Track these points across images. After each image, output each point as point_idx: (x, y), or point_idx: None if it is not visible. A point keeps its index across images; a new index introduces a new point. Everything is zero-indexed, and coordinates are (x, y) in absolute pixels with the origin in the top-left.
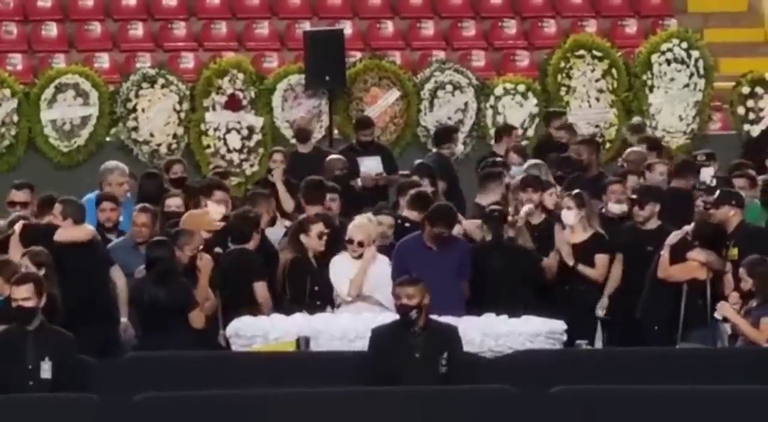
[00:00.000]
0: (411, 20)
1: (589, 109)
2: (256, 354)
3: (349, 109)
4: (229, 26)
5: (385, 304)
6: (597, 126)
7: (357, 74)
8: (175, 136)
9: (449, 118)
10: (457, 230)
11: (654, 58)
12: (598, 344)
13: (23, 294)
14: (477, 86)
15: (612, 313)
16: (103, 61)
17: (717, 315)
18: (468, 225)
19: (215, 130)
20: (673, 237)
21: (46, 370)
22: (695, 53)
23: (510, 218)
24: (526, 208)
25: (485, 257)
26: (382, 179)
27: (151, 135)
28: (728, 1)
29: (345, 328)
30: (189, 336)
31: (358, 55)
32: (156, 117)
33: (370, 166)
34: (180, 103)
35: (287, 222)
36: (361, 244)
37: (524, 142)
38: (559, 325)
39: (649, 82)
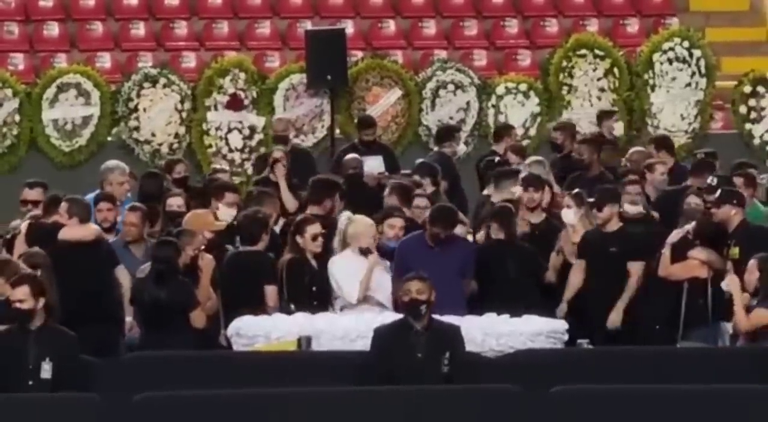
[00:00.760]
0: (413, 19)
1: (591, 108)
2: (258, 353)
3: (350, 109)
4: (231, 26)
5: (385, 305)
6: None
7: (359, 73)
8: (176, 135)
9: (451, 118)
10: (460, 231)
11: (656, 57)
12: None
13: (19, 296)
14: (479, 85)
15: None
16: (105, 60)
17: (724, 285)
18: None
19: (217, 129)
20: (675, 235)
21: (46, 370)
22: (697, 52)
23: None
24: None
25: (498, 257)
26: (384, 178)
27: (153, 135)
28: (730, 0)
29: (347, 328)
30: (190, 336)
31: (360, 54)
32: (157, 116)
33: (373, 165)
34: (181, 102)
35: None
36: (369, 251)
37: (525, 142)
38: (561, 325)
39: (650, 82)
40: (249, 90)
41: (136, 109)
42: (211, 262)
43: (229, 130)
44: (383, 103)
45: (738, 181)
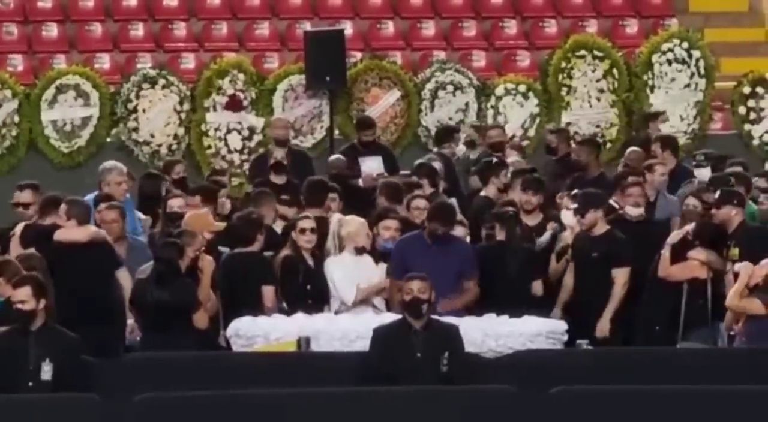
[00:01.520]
0: (411, 20)
1: (590, 109)
2: (257, 354)
3: (349, 110)
4: (230, 26)
5: (380, 307)
6: (598, 126)
7: (358, 74)
8: (175, 136)
9: (450, 118)
10: (460, 232)
11: (655, 58)
12: None
13: (20, 297)
14: (478, 86)
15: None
16: (104, 61)
17: (736, 267)
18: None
19: (216, 130)
20: (675, 236)
21: (46, 372)
22: (696, 53)
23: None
24: None
25: (498, 257)
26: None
27: (152, 136)
28: (729, 0)
29: (346, 329)
30: (192, 337)
31: (359, 55)
32: (156, 117)
33: (372, 166)
34: (180, 103)
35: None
36: (363, 249)
37: (525, 142)
38: (560, 325)
39: (650, 82)
40: (248, 91)
41: (135, 110)
42: (211, 263)
43: (228, 131)
44: (382, 104)
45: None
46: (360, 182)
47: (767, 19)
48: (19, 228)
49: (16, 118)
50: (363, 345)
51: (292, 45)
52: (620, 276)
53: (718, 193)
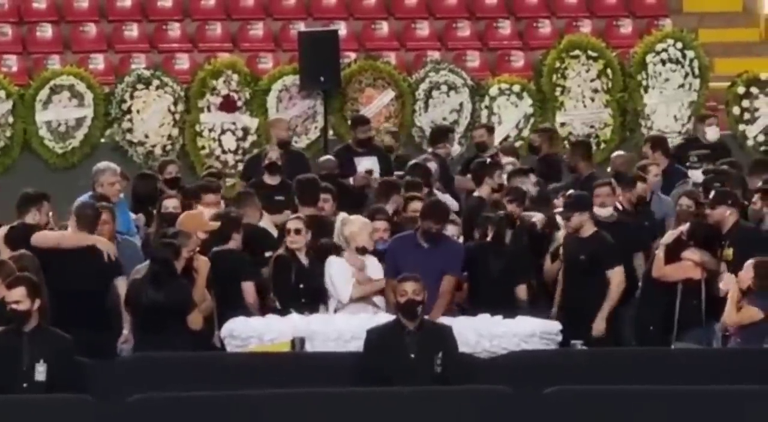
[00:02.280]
0: (406, 21)
1: (584, 110)
2: (252, 354)
3: (344, 110)
4: (224, 27)
5: (380, 306)
6: (592, 126)
7: (352, 75)
8: (170, 137)
9: (444, 119)
10: (452, 231)
11: (649, 58)
12: None
13: (15, 297)
14: (472, 86)
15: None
16: (98, 62)
17: (722, 285)
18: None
19: (210, 131)
20: (669, 236)
21: (40, 372)
22: (690, 53)
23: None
24: None
25: (482, 256)
26: (373, 180)
27: (146, 136)
28: (723, 1)
29: (340, 329)
30: (187, 338)
31: (353, 55)
32: (151, 118)
33: (367, 166)
34: (175, 104)
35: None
36: (365, 250)
37: (518, 143)
38: (554, 326)
39: (644, 83)
40: (242, 91)
41: (129, 111)
42: (206, 263)
43: (223, 132)
44: (376, 104)
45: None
46: (351, 181)
47: (761, 20)
48: (2, 230)
49: (11, 119)
50: (358, 345)
51: (286, 45)
52: (614, 276)
53: (712, 193)
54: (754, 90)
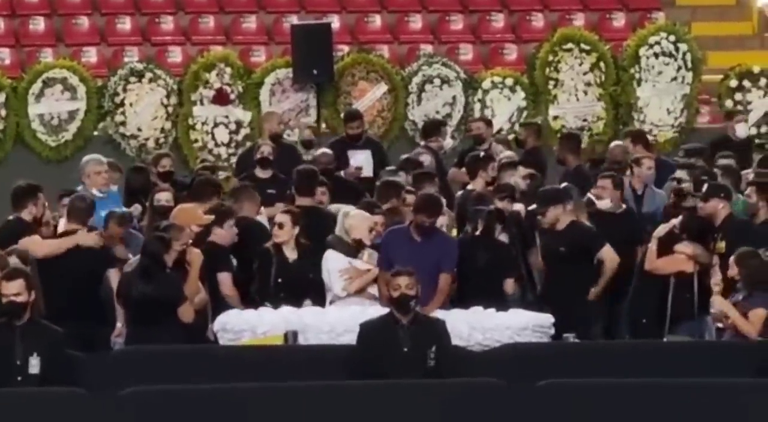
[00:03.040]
0: (399, 14)
1: (577, 103)
2: (245, 348)
3: (337, 103)
4: (217, 20)
5: (377, 296)
6: (585, 119)
7: (345, 68)
8: (162, 130)
9: (437, 112)
10: (441, 220)
11: (642, 51)
12: None
13: (14, 290)
14: (465, 80)
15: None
16: (91, 55)
17: (712, 310)
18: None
19: (203, 124)
20: (661, 229)
21: (34, 366)
22: (683, 46)
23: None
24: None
25: (469, 249)
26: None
27: (139, 129)
28: None
29: (333, 322)
30: (179, 331)
31: (346, 48)
32: (144, 111)
33: (361, 160)
34: (168, 97)
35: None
36: (361, 243)
37: (510, 136)
38: (547, 319)
39: (637, 76)
40: (235, 84)
41: (122, 104)
42: (198, 256)
43: (215, 125)
44: (369, 98)
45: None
46: (342, 174)
47: (754, 13)
48: None
49: (3, 112)
50: (350, 338)
51: (279, 39)
52: (606, 254)
53: (705, 186)
54: (746, 83)
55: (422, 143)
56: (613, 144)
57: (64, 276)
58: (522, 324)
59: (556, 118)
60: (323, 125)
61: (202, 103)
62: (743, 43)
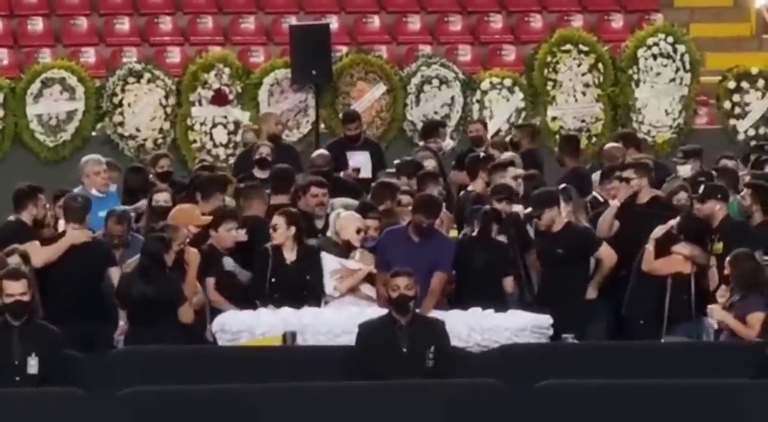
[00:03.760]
0: (397, 15)
1: (576, 104)
2: (243, 348)
3: (335, 104)
4: (215, 21)
5: (373, 297)
6: (583, 120)
7: (343, 68)
8: (161, 130)
9: (436, 113)
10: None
11: (640, 52)
12: None
13: (20, 289)
14: (463, 80)
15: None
16: (89, 55)
17: (710, 320)
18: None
19: (201, 124)
20: (659, 230)
21: (32, 366)
22: (681, 48)
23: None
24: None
25: (467, 249)
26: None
27: (138, 129)
28: None
29: (331, 323)
30: (178, 331)
31: (345, 49)
32: (142, 111)
33: (359, 161)
34: (166, 97)
35: None
36: (349, 244)
37: (508, 137)
38: (545, 320)
39: (635, 77)
40: (233, 85)
41: (120, 104)
42: (196, 256)
43: (214, 125)
44: (368, 98)
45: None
46: (341, 175)
47: (752, 14)
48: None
49: (1, 112)
50: (349, 339)
51: (277, 39)
52: (603, 252)
53: (702, 187)
54: (744, 84)
55: (421, 144)
56: (609, 145)
57: (66, 276)
58: (520, 325)
59: (554, 119)
60: (321, 125)
61: (200, 104)
62: (741, 44)
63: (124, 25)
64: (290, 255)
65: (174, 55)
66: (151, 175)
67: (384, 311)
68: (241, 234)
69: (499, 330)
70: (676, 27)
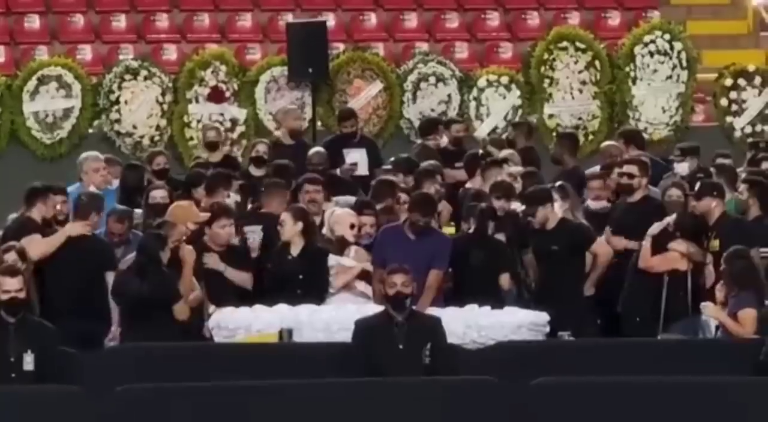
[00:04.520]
0: (394, 12)
1: (572, 101)
2: (240, 345)
3: (332, 101)
4: (212, 18)
5: (369, 294)
6: (580, 118)
7: (340, 66)
8: (158, 128)
9: (432, 110)
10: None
11: (637, 49)
12: None
13: (16, 286)
14: (460, 78)
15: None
16: (86, 53)
17: (704, 316)
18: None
19: (198, 122)
20: (655, 227)
21: (28, 362)
22: (678, 45)
23: None
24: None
25: (463, 247)
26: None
27: (134, 127)
28: None
29: (328, 320)
30: (174, 329)
31: (341, 46)
32: (139, 109)
33: (354, 158)
34: (163, 95)
35: None
36: (344, 240)
37: (504, 135)
38: (542, 317)
39: (632, 74)
40: (230, 82)
41: (117, 102)
42: (191, 253)
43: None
44: (364, 96)
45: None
46: (338, 172)
47: (749, 12)
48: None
49: None
50: (345, 336)
51: (274, 37)
52: (599, 248)
53: (698, 184)
54: (741, 82)
55: (419, 141)
56: (607, 142)
57: (68, 275)
58: (517, 323)
59: (551, 116)
60: (318, 123)
61: (197, 101)
62: (738, 41)
63: (120, 22)
64: (295, 251)
65: (171, 53)
66: (147, 173)
67: (381, 308)
68: (255, 231)
69: (496, 328)
70: (673, 24)
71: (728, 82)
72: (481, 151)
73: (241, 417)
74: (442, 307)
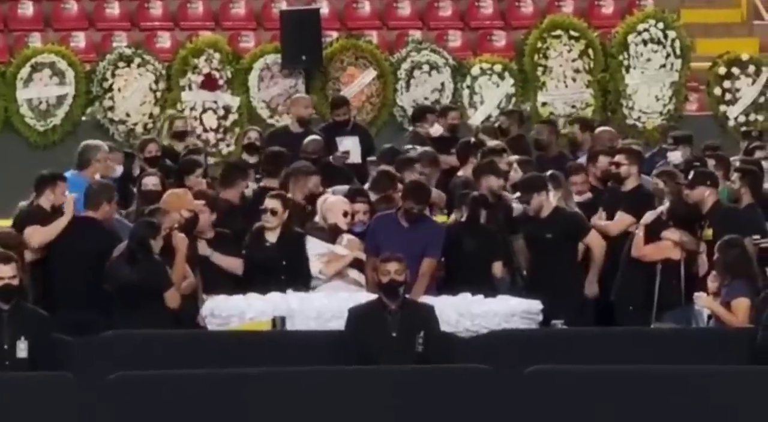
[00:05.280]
0: (387, 0)
1: (566, 90)
2: (233, 333)
3: (325, 89)
4: (206, 5)
5: (361, 281)
6: (573, 106)
7: (333, 54)
8: (151, 115)
9: (426, 98)
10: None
11: (630, 38)
12: None
13: (10, 273)
14: (453, 66)
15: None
16: (79, 40)
17: (697, 306)
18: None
19: (191, 109)
20: (649, 216)
21: (22, 350)
22: (672, 34)
23: None
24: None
25: (456, 236)
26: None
27: (128, 114)
28: None
29: (320, 308)
30: (165, 316)
31: (335, 34)
32: (132, 96)
33: (348, 146)
34: (156, 82)
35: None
36: (336, 227)
37: (496, 123)
38: (535, 305)
39: (625, 63)
40: (224, 70)
41: (110, 89)
42: (183, 241)
43: (204, 110)
44: (358, 84)
45: (710, 161)
46: (331, 159)
47: (743, 0)
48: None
49: None
50: (338, 324)
51: (267, 24)
52: (593, 240)
53: (691, 173)
54: (735, 70)
55: (411, 128)
56: (600, 129)
57: (74, 263)
58: (510, 311)
59: (544, 104)
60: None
61: (190, 89)
62: (732, 30)
63: (114, 9)
64: (272, 237)
65: (164, 40)
66: (138, 160)
67: (373, 296)
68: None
69: (489, 316)
70: (667, 13)
71: (722, 70)
72: (473, 139)
73: (234, 405)
74: (435, 295)
